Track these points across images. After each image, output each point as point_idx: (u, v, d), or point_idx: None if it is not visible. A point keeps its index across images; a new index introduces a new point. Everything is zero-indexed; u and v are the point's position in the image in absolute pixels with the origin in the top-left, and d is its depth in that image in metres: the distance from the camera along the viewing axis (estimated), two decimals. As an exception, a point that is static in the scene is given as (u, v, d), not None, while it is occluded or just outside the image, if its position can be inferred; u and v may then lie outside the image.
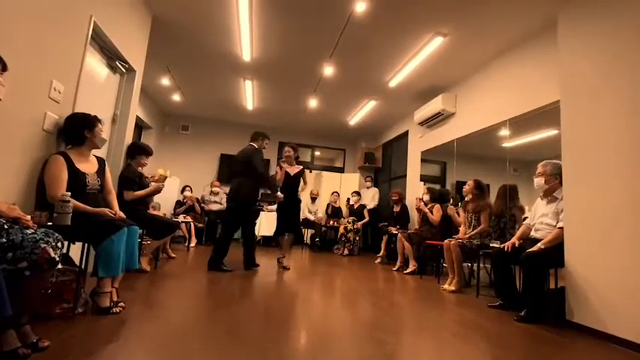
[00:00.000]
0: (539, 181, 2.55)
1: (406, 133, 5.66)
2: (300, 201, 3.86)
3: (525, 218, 2.87)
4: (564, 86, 2.41)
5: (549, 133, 2.94)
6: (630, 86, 1.97)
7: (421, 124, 4.86)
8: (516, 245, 2.48)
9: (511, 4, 2.71)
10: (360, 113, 5.70)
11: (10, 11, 1.55)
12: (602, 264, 2.01)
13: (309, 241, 6.13)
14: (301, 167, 3.83)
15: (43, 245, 1.20)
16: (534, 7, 2.70)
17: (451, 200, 4.16)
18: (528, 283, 2.29)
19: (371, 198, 6.10)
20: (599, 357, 1.71)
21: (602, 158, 2.08)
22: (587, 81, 2.24)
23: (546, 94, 2.81)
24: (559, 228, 2.33)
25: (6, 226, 1.17)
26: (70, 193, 1.67)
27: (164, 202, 5.03)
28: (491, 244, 2.93)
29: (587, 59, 2.26)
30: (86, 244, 1.80)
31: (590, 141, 2.17)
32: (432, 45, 3.35)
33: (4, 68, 1.30)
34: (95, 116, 2.00)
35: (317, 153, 7.57)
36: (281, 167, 3.73)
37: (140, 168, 2.92)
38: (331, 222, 5.91)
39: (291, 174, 3.72)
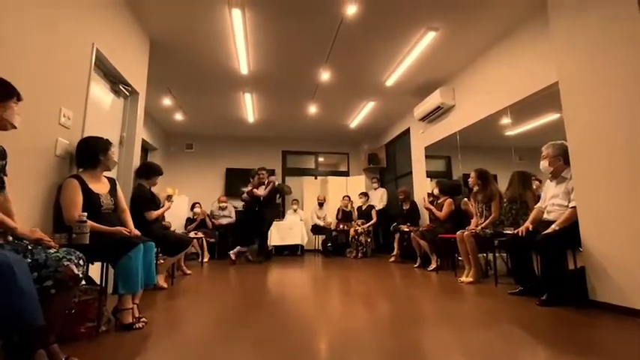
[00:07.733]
0: (543, 164, 2.54)
1: (408, 131, 5.67)
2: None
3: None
4: (561, 67, 2.41)
5: (552, 117, 2.94)
6: (623, 61, 1.97)
7: (422, 119, 4.88)
8: (530, 229, 2.46)
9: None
10: (360, 115, 5.74)
11: (19, 45, 1.62)
12: (620, 239, 1.99)
13: (320, 247, 6.12)
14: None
15: (66, 263, 1.23)
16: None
17: (462, 193, 4.13)
18: (547, 266, 2.26)
19: (379, 199, 6.09)
20: (627, 332, 1.68)
21: (606, 134, 2.08)
22: (583, 60, 2.24)
23: (544, 76, 2.82)
24: (571, 207, 2.31)
25: (30, 247, 1.21)
26: (86, 214, 1.72)
27: (175, 220, 5.08)
28: (504, 232, 2.91)
29: (580, 38, 2.27)
30: (105, 263, 1.84)
31: (592, 118, 2.17)
32: (425, 40, 3.39)
33: (19, 98, 1.36)
34: (107, 140, 2.06)
35: (321, 159, 7.60)
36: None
37: (152, 187, 3.01)
38: (341, 226, 5.90)
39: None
